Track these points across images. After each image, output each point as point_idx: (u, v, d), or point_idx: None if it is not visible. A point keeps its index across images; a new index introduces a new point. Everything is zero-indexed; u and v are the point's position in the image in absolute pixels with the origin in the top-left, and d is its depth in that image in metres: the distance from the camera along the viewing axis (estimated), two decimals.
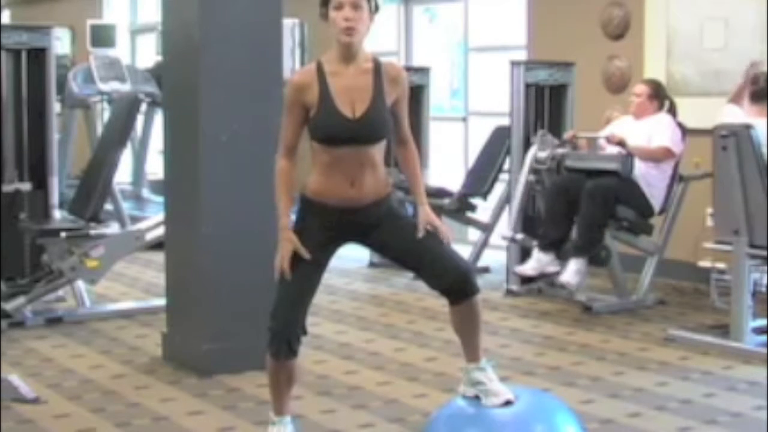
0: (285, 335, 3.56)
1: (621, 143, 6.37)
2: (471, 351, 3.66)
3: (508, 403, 3.54)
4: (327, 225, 3.57)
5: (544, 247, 6.41)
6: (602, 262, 6.39)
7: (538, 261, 6.42)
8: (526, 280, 6.91)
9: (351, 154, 3.53)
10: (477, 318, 3.63)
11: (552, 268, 6.39)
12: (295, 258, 3.56)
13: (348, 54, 3.54)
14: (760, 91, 5.83)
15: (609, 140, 6.48)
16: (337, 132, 3.53)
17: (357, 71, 3.56)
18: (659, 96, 6.60)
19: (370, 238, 3.71)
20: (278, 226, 3.60)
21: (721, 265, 5.76)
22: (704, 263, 5.83)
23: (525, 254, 6.92)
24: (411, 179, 3.77)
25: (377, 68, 3.58)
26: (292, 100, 3.57)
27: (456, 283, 3.56)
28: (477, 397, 3.59)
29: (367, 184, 3.57)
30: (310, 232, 3.57)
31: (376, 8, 3.56)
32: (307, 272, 3.60)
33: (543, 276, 6.62)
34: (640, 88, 6.64)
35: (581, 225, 6.31)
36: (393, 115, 3.65)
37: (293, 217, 3.64)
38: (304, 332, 3.61)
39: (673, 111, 6.60)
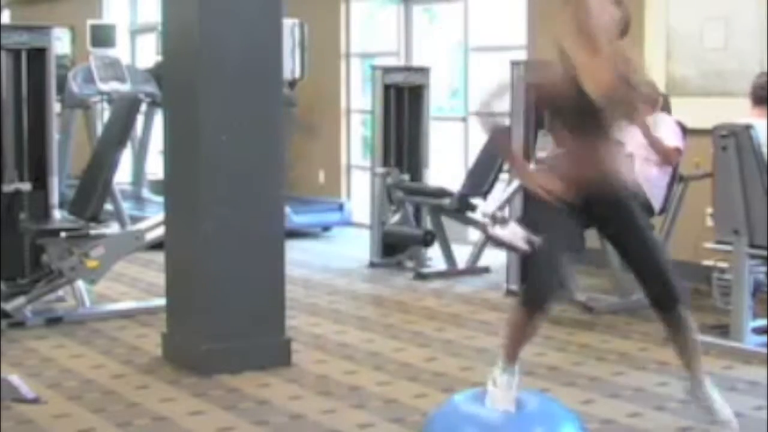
0: (546, 290, 3.72)
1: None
2: (688, 368, 3.89)
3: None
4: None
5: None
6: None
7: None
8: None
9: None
10: (686, 333, 3.79)
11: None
12: (552, 219, 3.74)
13: None
14: (762, 94, 5.82)
15: None
16: None
17: None
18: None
19: (605, 226, 3.96)
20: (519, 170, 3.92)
21: (722, 264, 5.76)
22: (707, 263, 5.81)
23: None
24: None
25: None
26: None
27: (659, 294, 3.77)
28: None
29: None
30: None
31: None
32: (565, 231, 3.77)
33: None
34: None
35: None
36: None
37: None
38: (561, 285, 3.79)
39: (667, 108, 6.58)
